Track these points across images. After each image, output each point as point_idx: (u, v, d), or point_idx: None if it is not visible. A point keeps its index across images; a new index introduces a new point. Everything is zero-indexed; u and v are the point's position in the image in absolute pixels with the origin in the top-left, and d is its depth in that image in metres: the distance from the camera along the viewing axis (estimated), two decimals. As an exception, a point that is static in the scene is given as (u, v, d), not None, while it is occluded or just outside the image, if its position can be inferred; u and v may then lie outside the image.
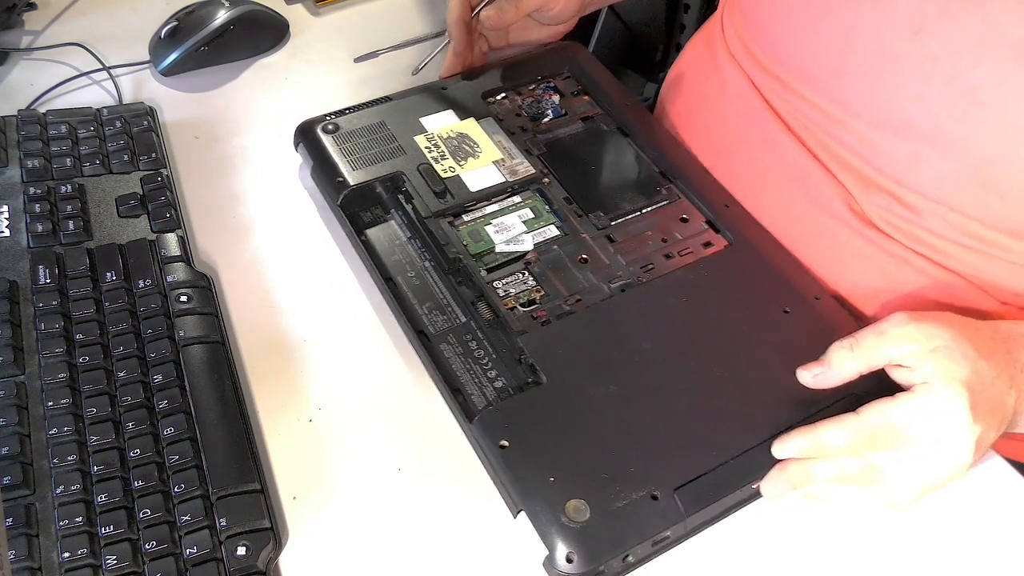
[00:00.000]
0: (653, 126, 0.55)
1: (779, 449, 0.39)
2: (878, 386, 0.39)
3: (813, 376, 0.40)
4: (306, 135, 0.52)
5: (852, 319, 0.45)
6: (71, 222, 0.48)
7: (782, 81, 0.48)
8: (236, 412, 0.42)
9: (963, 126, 0.40)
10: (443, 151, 0.51)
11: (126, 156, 0.53)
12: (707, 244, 0.49)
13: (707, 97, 0.55)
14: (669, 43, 0.89)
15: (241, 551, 0.37)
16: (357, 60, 0.63)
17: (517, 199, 0.50)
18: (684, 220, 0.50)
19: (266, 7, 0.63)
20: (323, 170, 0.50)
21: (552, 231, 0.49)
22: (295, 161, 0.55)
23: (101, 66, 0.60)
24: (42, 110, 0.56)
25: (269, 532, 0.38)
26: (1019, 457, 0.45)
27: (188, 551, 0.37)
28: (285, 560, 0.39)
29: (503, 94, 0.57)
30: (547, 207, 0.50)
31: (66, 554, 0.36)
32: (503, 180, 0.50)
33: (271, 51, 0.63)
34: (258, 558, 0.37)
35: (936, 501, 0.40)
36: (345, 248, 0.51)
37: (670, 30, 0.88)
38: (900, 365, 0.38)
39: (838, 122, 0.45)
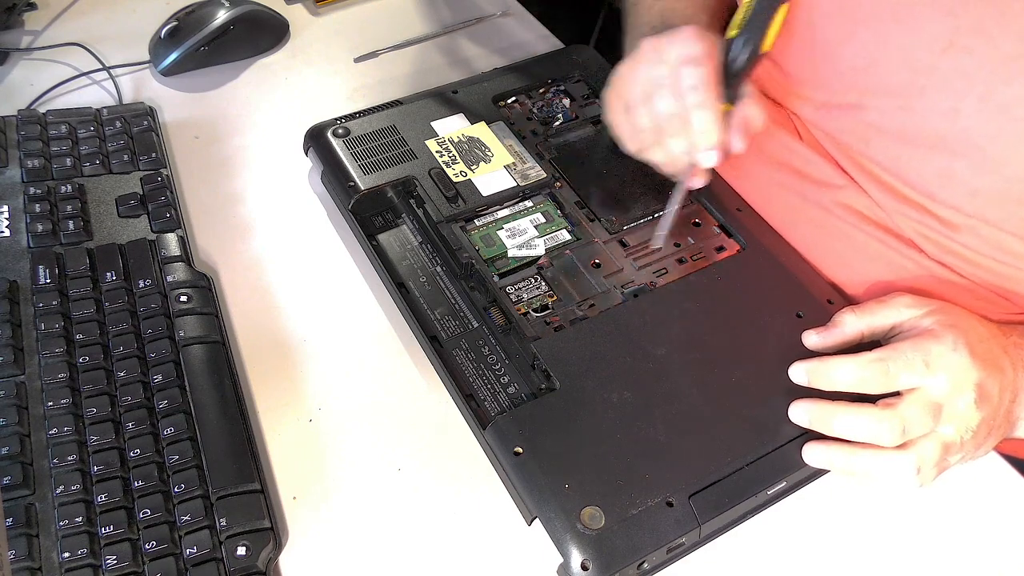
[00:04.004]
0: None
1: (795, 372, 0.43)
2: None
3: (820, 336, 0.45)
4: (316, 139, 0.55)
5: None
6: (71, 222, 0.51)
7: (806, 98, 0.50)
8: (236, 412, 0.43)
9: (998, 142, 0.42)
10: (454, 155, 0.54)
11: (126, 156, 0.55)
12: (720, 248, 0.51)
13: None
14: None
15: (241, 551, 0.38)
16: (357, 60, 0.66)
17: (529, 203, 0.53)
18: (696, 225, 0.52)
19: (266, 7, 0.66)
20: (334, 174, 0.53)
21: (564, 236, 0.51)
22: (296, 161, 0.57)
23: (101, 66, 0.62)
24: (42, 110, 0.58)
25: (269, 532, 0.39)
26: (1019, 453, 0.47)
27: (188, 551, 0.38)
28: (285, 560, 0.40)
29: (514, 98, 0.59)
30: (559, 211, 0.52)
31: (66, 554, 0.37)
32: (515, 184, 0.53)
33: (271, 51, 0.66)
34: (258, 558, 0.39)
35: (937, 500, 0.43)
36: (353, 250, 0.53)
37: (670, 31, 0.91)
38: (900, 333, 0.43)
39: (865, 138, 0.47)
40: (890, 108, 0.45)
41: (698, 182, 0.47)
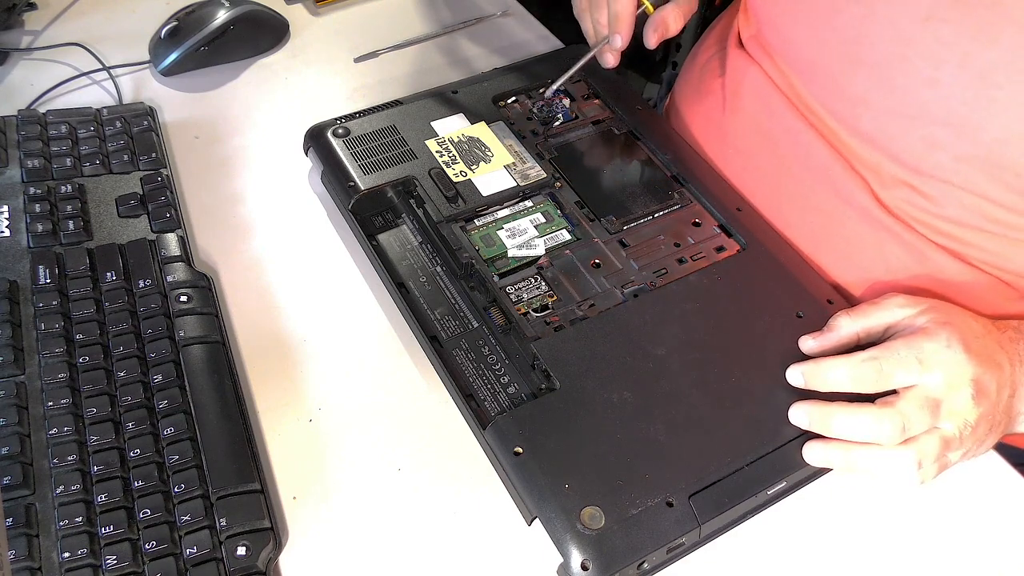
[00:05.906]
0: (664, 129, 0.58)
1: (791, 374, 0.44)
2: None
3: (816, 341, 0.45)
4: (316, 139, 0.55)
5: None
6: (71, 222, 0.51)
7: (798, 75, 0.51)
8: (236, 412, 0.43)
9: (977, 107, 0.43)
10: (454, 155, 0.54)
11: (126, 156, 0.55)
12: (720, 248, 0.51)
13: (725, 94, 0.58)
14: (669, 43, 0.92)
15: (241, 551, 0.38)
16: (357, 60, 0.66)
17: (529, 203, 0.53)
18: (696, 224, 0.52)
19: (266, 7, 0.66)
20: (334, 174, 0.53)
21: (564, 236, 0.51)
22: (296, 161, 0.57)
23: (101, 66, 0.62)
24: (42, 110, 0.58)
25: (269, 532, 0.39)
26: (1018, 443, 0.48)
27: (188, 551, 0.38)
28: (285, 560, 0.40)
29: (514, 98, 0.59)
30: (559, 211, 0.52)
31: (66, 554, 0.37)
32: (515, 184, 0.53)
33: (271, 51, 0.66)
34: (258, 558, 0.39)
35: (937, 499, 0.44)
36: (353, 250, 0.53)
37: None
38: (896, 333, 0.43)
39: (853, 113, 0.48)
40: (876, 79, 0.46)
41: (609, 60, 0.55)
